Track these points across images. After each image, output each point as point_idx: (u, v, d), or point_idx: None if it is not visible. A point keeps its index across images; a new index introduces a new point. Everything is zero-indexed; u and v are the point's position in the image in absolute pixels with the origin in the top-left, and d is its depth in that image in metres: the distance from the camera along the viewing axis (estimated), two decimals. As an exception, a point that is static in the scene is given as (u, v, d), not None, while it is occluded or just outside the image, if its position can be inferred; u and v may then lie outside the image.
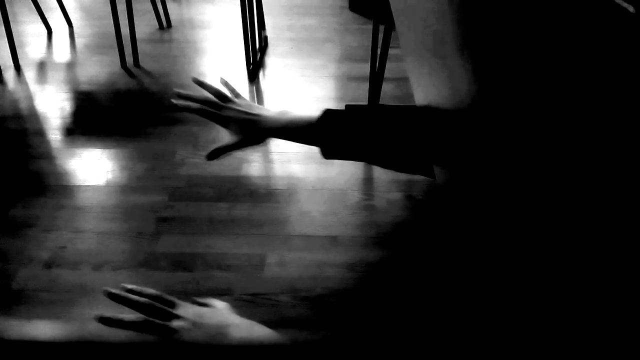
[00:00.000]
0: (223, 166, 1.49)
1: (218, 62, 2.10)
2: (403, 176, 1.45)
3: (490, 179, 0.40)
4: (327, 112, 0.91)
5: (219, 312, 0.82)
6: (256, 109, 0.95)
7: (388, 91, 1.88)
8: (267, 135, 0.93)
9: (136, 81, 1.96)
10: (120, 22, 1.99)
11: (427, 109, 0.65)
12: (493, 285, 0.41)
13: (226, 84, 1.02)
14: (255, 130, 0.92)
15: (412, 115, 0.90)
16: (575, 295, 0.28)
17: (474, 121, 0.43)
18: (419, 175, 1.01)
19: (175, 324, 0.75)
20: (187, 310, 0.78)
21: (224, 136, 0.95)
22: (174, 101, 0.96)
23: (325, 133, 0.90)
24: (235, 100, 0.96)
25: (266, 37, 2.30)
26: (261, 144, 0.95)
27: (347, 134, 0.90)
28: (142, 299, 0.79)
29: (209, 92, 0.97)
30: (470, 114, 0.44)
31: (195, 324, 0.76)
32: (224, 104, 0.96)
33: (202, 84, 0.99)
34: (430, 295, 1.08)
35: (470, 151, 0.45)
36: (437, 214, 0.91)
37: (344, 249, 1.20)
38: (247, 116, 0.93)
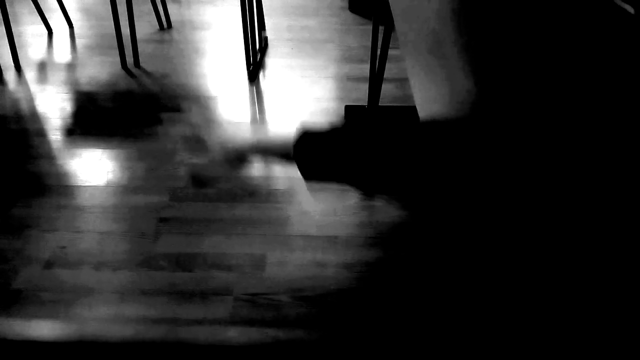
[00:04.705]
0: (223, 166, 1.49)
1: (218, 63, 2.11)
2: (403, 177, 1.45)
3: (490, 178, 0.40)
4: (302, 134, 0.91)
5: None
6: (232, 132, 1.02)
7: (388, 91, 1.88)
8: (249, 157, 0.98)
9: (136, 81, 1.96)
10: (121, 22, 1.99)
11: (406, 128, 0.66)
12: (492, 285, 0.41)
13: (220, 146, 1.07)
14: (237, 155, 0.97)
15: (389, 134, 0.90)
16: (574, 295, 0.28)
17: (473, 120, 0.43)
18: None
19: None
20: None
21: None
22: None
23: (302, 156, 0.91)
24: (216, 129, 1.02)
25: (266, 38, 2.30)
26: (246, 166, 0.98)
27: (323, 155, 0.90)
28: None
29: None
30: (469, 113, 0.44)
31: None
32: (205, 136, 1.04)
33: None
34: (429, 295, 1.08)
35: (470, 151, 0.45)
36: (437, 214, 0.91)
37: (344, 249, 1.20)
38: (227, 141, 0.99)
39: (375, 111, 0.93)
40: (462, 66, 0.46)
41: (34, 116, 1.74)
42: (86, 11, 2.62)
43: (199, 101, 1.82)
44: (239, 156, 0.97)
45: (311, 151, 0.91)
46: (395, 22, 0.95)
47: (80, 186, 1.41)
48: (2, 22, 1.99)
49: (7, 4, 1.99)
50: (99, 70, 2.04)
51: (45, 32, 2.37)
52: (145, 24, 2.45)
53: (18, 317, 1.04)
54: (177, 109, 1.78)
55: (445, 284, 1.09)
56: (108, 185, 1.41)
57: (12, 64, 2.06)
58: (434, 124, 0.55)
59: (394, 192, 0.93)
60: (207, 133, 1.03)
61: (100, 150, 1.56)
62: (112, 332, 0.92)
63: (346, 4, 2.68)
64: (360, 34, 2.36)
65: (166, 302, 1.08)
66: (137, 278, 1.13)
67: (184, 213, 1.32)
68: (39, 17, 2.39)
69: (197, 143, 0.99)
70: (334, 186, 1.05)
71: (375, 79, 1.47)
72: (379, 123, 0.90)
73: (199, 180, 0.98)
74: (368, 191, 0.96)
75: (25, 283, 1.12)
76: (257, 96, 1.87)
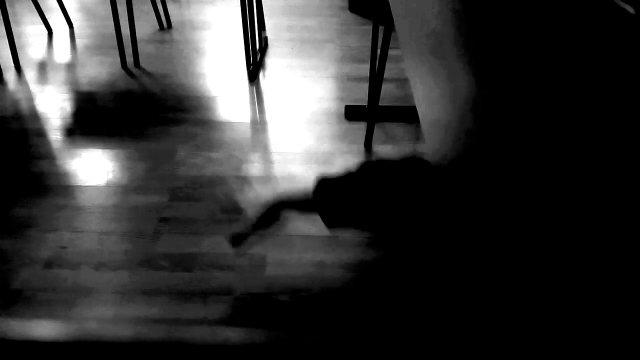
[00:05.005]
0: (223, 166, 1.49)
1: (218, 63, 2.11)
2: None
3: (490, 178, 0.40)
4: (321, 182, 0.95)
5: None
6: (260, 191, 1.06)
7: (388, 91, 1.88)
8: (275, 211, 1.01)
9: (136, 82, 1.96)
10: (121, 22, 1.99)
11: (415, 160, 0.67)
12: (490, 285, 0.41)
13: (226, 195, 1.14)
14: (264, 210, 1.01)
15: (403, 169, 0.92)
16: (573, 295, 0.28)
17: (473, 120, 0.43)
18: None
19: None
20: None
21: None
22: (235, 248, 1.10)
23: (322, 205, 0.94)
24: (246, 191, 1.09)
25: (266, 38, 2.30)
26: (277, 220, 1.03)
27: (343, 203, 0.93)
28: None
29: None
30: (470, 113, 0.44)
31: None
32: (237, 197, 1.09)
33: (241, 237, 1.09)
34: (428, 295, 1.08)
35: (470, 150, 0.45)
36: (437, 215, 0.91)
37: (344, 249, 1.20)
38: (255, 200, 1.04)
39: (388, 161, 0.95)
40: (462, 66, 0.46)
41: (34, 116, 1.74)
42: (86, 11, 2.62)
43: (200, 102, 1.83)
44: (268, 214, 1.02)
45: (331, 200, 0.95)
46: (395, 22, 0.95)
47: (80, 186, 1.41)
48: (2, 22, 1.99)
49: (7, 4, 1.99)
50: (99, 70, 2.04)
51: (45, 32, 2.38)
52: (145, 24, 2.45)
53: (18, 317, 1.04)
54: (177, 109, 1.78)
55: (445, 284, 1.09)
56: (108, 185, 1.41)
57: (12, 64, 2.06)
58: (445, 169, 0.55)
59: (408, 232, 0.97)
60: (240, 195, 1.08)
61: (100, 150, 1.56)
62: (112, 332, 0.92)
63: (346, 4, 2.68)
64: (360, 34, 2.36)
65: (166, 302, 1.08)
66: (137, 278, 1.13)
67: (184, 213, 1.32)
68: (39, 17, 2.39)
69: (233, 208, 1.04)
70: (355, 231, 1.11)
71: (375, 79, 1.47)
72: (392, 169, 0.92)
73: (237, 241, 1.07)
74: (387, 234, 1.00)
75: (25, 283, 1.12)
76: (257, 96, 1.87)
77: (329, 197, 0.94)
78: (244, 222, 1.04)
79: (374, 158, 0.99)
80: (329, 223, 0.96)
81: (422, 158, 0.91)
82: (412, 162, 0.91)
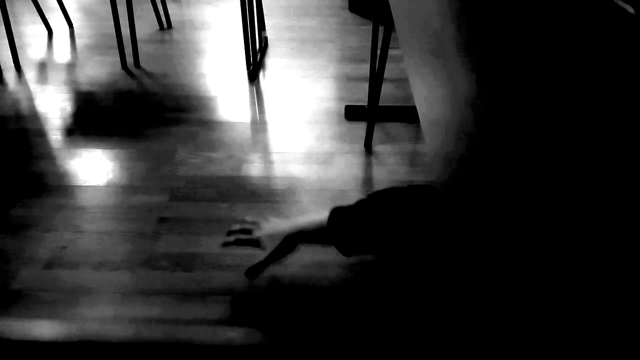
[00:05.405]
0: (223, 166, 1.49)
1: (218, 63, 2.11)
2: (403, 176, 1.45)
3: (490, 178, 0.40)
4: (335, 212, 0.96)
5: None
6: (275, 223, 1.08)
7: (388, 92, 1.88)
8: (290, 243, 1.03)
9: (136, 82, 1.96)
10: (121, 22, 1.99)
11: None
12: (490, 286, 0.41)
13: (244, 221, 1.14)
14: (278, 243, 1.03)
15: (417, 196, 0.94)
16: (572, 295, 0.28)
17: (474, 120, 0.43)
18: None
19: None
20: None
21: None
22: (222, 246, 1.11)
23: (338, 234, 0.95)
24: (261, 223, 1.10)
25: (266, 38, 2.30)
26: (292, 252, 1.05)
27: (358, 231, 0.94)
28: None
29: (241, 232, 1.11)
30: (470, 113, 0.44)
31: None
32: (253, 230, 1.09)
33: (232, 232, 1.12)
34: (428, 294, 1.08)
35: (470, 150, 0.45)
36: (436, 215, 0.91)
37: (344, 250, 1.20)
38: (271, 231, 1.05)
39: (398, 189, 0.97)
40: (462, 66, 0.46)
41: (34, 116, 1.74)
42: (86, 11, 2.62)
43: (200, 102, 1.83)
44: (283, 246, 1.04)
45: (346, 230, 0.97)
46: (395, 22, 0.95)
47: (80, 186, 1.41)
48: (2, 22, 1.99)
49: (7, 4, 1.99)
50: (99, 70, 2.04)
51: (45, 32, 2.38)
52: (145, 24, 2.45)
53: (18, 317, 1.04)
54: (177, 109, 1.78)
55: (446, 284, 1.09)
56: (108, 185, 1.41)
57: (12, 64, 2.06)
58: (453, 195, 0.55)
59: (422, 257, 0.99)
60: (257, 228, 1.10)
61: (100, 150, 1.56)
62: (112, 332, 0.92)
63: (346, 4, 2.68)
64: (360, 34, 2.36)
65: (166, 302, 1.08)
66: (137, 278, 1.13)
67: (184, 213, 1.32)
68: (39, 17, 2.39)
69: (250, 240, 1.09)
70: (371, 257, 1.14)
71: (375, 79, 1.47)
72: (402, 197, 0.94)
73: (254, 273, 1.11)
74: (402, 259, 1.03)
75: (25, 283, 1.12)
76: (257, 96, 1.87)
77: (344, 227, 0.96)
78: (260, 255, 1.06)
79: (383, 187, 1.01)
80: (346, 252, 0.98)
81: (430, 185, 0.93)
82: (420, 190, 0.93)
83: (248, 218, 1.13)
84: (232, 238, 1.09)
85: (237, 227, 1.12)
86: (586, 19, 0.25)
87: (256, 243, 1.06)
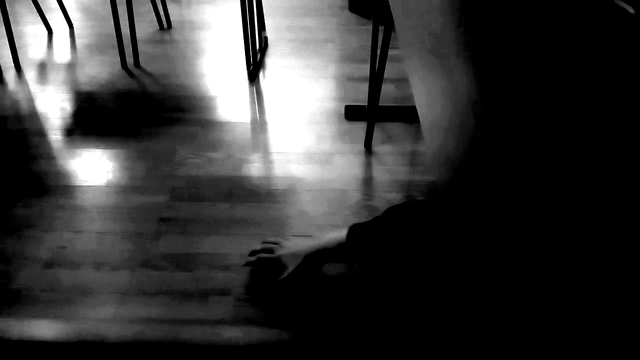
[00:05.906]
0: (223, 166, 1.49)
1: (218, 63, 2.11)
2: (403, 176, 1.45)
3: (490, 178, 0.40)
4: (353, 229, 0.97)
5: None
6: (296, 242, 1.10)
7: (388, 92, 1.88)
8: (311, 262, 1.06)
9: (136, 82, 1.96)
10: (121, 22, 1.99)
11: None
12: (490, 286, 0.41)
13: (266, 241, 1.16)
14: (300, 261, 1.06)
15: (436, 212, 0.95)
16: (572, 295, 0.28)
17: (474, 120, 0.43)
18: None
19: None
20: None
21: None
22: (244, 266, 1.15)
23: (357, 251, 0.96)
24: (282, 242, 1.12)
25: (266, 38, 2.30)
26: (316, 271, 1.08)
27: (377, 248, 0.95)
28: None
29: (263, 251, 1.14)
30: (470, 113, 0.44)
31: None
32: (274, 249, 1.12)
33: (254, 253, 1.15)
34: (428, 295, 1.08)
35: (471, 150, 0.45)
36: (436, 215, 0.91)
37: (344, 250, 1.20)
38: (292, 250, 1.08)
39: (416, 204, 0.98)
40: (462, 66, 0.46)
41: (34, 116, 1.74)
42: (86, 11, 2.62)
43: (200, 102, 1.83)
44: (304, 265, 1.06)
45: (366, 246, 0.98)
46: (395, 22, 0.95)
47: (80, 186, 1.41)
48: (2, 22, 2.00)
49: (7, 4, 1.99)
50: (99, 70, 2.04)
51: (45, 32, 2.38)
52: (145, 24, 2.45)
53: (18, 317, 1.04)
54: (177, 109, 1.78)
55: (446, 284, 1.09)
56: (108, 185, 1.41)
57: (12, 64, 2.06)
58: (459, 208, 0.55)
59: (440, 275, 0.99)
60: (278, 248, 1.12)
61: (100, 150, 1.56)
62: (112, 332, 0.92)
63: (346, 4, 2.68)
64: (360, 34, 2.36)
65: (166, 302, 1.08)
66: (137, 278, 1.13)
67: (184, 213, 1.32)
68: (39, 17, 2.39)
69: (272, 259, 1.11)
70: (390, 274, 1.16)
71: (375, 79, 1.47)
72: (418, 212, 0.94)
73: (274, 291, 1.11)
74: (421, 276, 1.04)
75: (25, 283, 1.12)
76: (257, 96, 1.87)
77: (363, 244, 0.97)
78: (283, 275, 1.07)
79: (398, 203, 1.03)
80: (368, 268, 0.99)
81: (443, 199, 0.94)
82: (435, 204, 0.94)
83: (270, 238, 1.16)
84: (254, 258, 1.11)
85: (259, 246, 1.14)
86: (586, 19, 0.25)
87: (278, 262, 1.09)
